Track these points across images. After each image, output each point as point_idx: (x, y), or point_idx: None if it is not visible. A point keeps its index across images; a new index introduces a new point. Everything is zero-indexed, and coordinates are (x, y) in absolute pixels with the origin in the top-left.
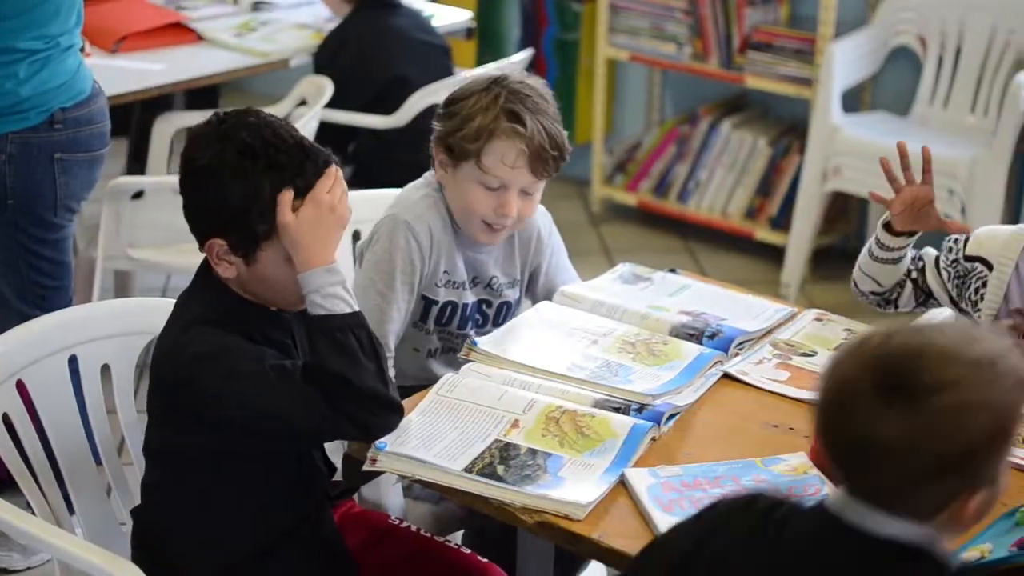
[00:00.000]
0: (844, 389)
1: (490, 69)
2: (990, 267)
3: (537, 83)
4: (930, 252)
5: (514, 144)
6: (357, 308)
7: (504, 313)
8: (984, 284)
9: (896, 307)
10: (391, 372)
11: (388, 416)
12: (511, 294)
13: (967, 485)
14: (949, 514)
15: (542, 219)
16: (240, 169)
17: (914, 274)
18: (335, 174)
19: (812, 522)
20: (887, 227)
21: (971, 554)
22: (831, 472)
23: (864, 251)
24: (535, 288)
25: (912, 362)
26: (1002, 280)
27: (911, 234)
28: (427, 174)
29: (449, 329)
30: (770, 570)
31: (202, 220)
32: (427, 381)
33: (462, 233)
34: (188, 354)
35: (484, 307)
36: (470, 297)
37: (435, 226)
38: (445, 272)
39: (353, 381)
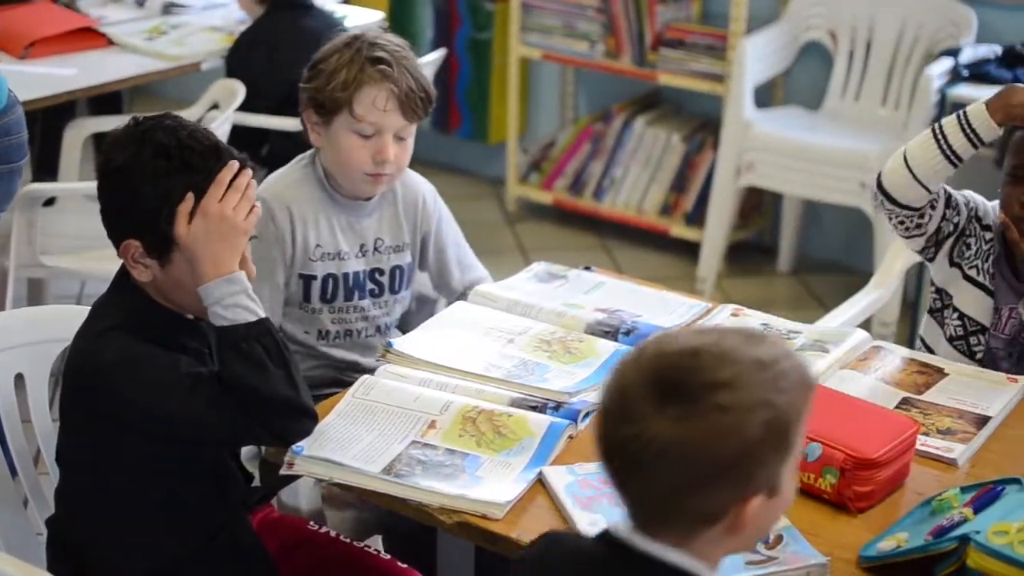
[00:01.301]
0: (624, 392)
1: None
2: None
3: (394, 37)
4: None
5: (383, 88)
6: (263, 315)
7: (399, 280)
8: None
9: (922, 231)
10: None
11: (301, 422)
12: (401, 259)
13: (743, 489)
14: (728, 524)
15: (425, 186)
16: (154, 169)
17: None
18: (225, 181)
19: (600, 551)
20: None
21: (887, 543)
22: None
23: (925, 154)
24: (426, 257)
25: (689, 362)
26: None
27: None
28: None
29: (336, 304)
30: None
31: (117, 221)
32: (327, 366)
33: (339, 198)
34: (103, 360)
35: (377, 275)
36: (354, 266)
37: (300, 198)
38: (318, 246)
39: (262, 390)
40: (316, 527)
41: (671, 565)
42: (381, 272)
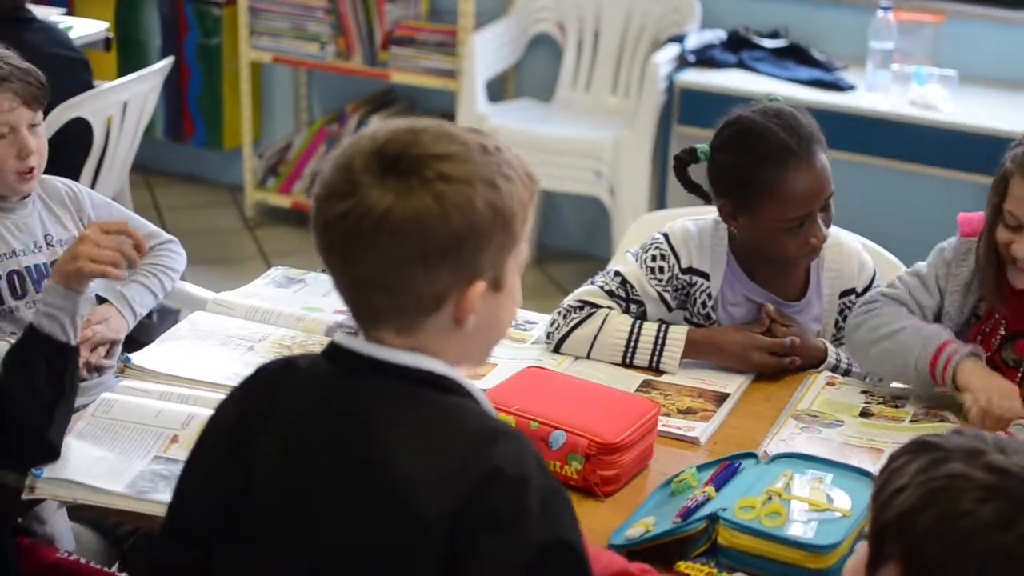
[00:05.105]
0: (344, 168)
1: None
2: (708, 277)
3: None
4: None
5: (4, 92)
6: (73, 343)
7: None
8: (711, 296)
9: None
10: None
11: (36, 453)
12: None
13: (465, 271)
14: (452, 311)
15: (65, 182)
16: None
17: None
18: None
19: (328, 365)
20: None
21: (635, 530)
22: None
23: (610, 355)
24: None
25: (411, 136)
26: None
27: None
28: None
29: (29, 298)
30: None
31: None
32: None
33: None
34: None
35: None
36: (34, 260)
37: None
38: None
39: (17, 402)
40: (67, 554)
41: (400, 365)
42: None
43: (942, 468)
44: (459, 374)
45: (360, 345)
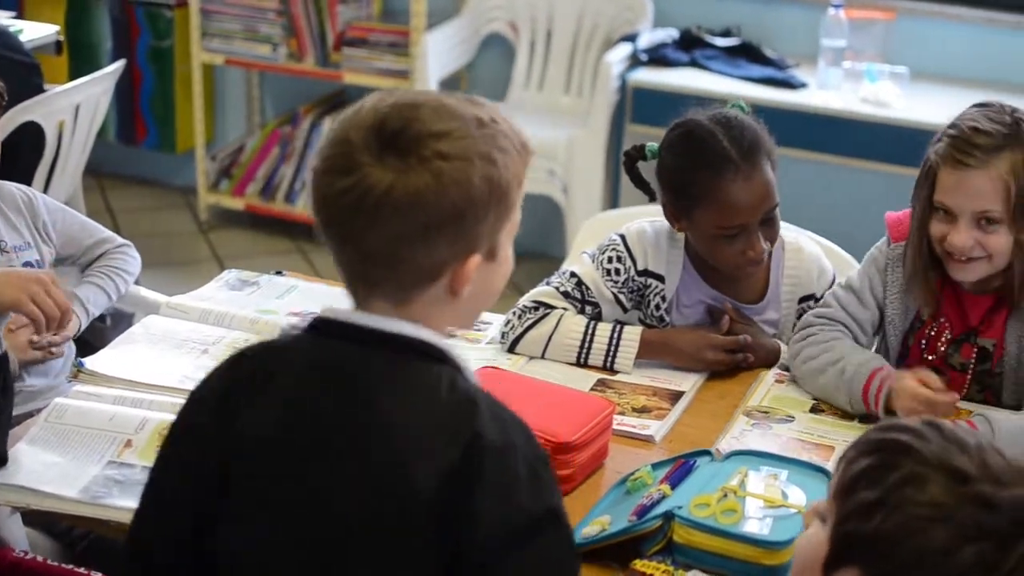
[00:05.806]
0: (342, 144)
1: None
2: (663, 280)
3: None
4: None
5: None
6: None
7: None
8: (664, 299)
9: None
10: None
11: None
12: (30, 255)
13: (462, 245)
14: (447, 282)
15: (18, 187)
16: None
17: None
18: None
19: (314, 336)
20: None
21: (591, 528)
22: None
23: (564, 354)
24: (58, 247)
25: (407, 112)
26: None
27: None
28: None
29: None
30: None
31: None
32: None
33: None
34: None
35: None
36: None
37: None
38: None
39: None
40: (23, 554)
41: (389, 333)
42: (12, 267)
43: (924, 492)
44: (447, 344)
45: (348, 315)
